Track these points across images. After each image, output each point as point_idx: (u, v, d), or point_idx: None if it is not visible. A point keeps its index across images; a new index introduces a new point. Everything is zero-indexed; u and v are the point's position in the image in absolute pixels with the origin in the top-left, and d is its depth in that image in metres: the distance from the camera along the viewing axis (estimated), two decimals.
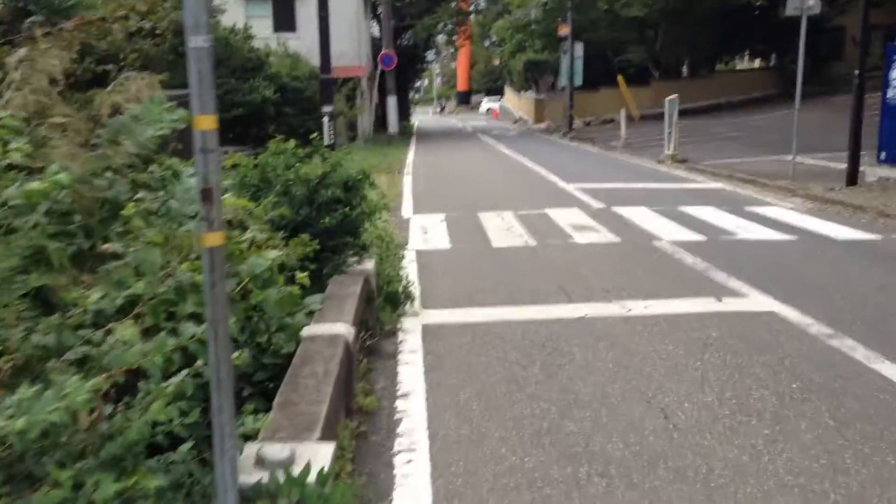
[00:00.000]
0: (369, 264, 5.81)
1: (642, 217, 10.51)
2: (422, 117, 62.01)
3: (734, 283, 6.76)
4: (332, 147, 9.39)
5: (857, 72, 12.48)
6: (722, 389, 4.33)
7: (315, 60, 20.32)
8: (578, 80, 33.27)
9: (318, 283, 5.65)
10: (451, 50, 57.55)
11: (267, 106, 14.37)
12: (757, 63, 45.23)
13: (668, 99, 19.27)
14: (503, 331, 5.62)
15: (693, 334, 5.36)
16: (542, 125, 38.70)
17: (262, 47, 15.20)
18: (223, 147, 9.43)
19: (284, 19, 25.99)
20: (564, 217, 10.68)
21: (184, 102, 9.61)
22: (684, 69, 41.64)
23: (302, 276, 4.27)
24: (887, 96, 12.57)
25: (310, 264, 5.28)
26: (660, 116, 31.66)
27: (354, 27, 27.36)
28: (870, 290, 6.50)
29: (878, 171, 12.81)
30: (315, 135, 6.18)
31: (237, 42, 13.79)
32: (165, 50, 12.49)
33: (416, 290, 6.64)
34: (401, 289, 6.13)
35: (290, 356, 3.96)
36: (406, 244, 9.22)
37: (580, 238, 9.17)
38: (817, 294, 6.36)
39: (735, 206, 11.45)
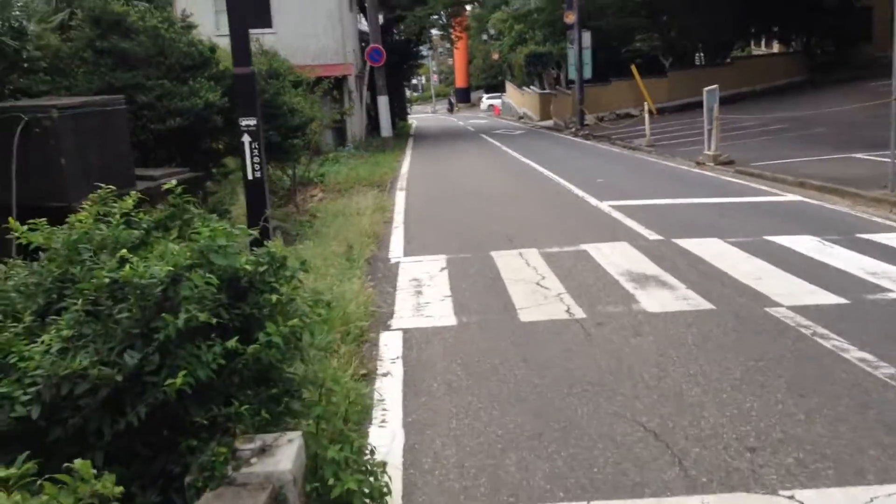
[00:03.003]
0: (286, 456, 2.73)
1: (724, 257, 7.41)
2: (420, 116, 58.70)
3: None
4: (258, 182, 6.30)
5: None
6: None
7: (298, 59, 17.03)
8: (588, 73, 30.13)
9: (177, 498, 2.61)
10: (447, 45, 54.36)
11: (211, 113, 11.06)
12: (776, 48, 41.94)
13: (706, 89, 16.11)
14: None
15: None
16: (549, 122, 35.51)
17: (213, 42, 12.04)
18: (157, 170, 5.48)
19: (259, 12, 22.77)
20: (612, 258, 7.60)
21: (94, 114, 5.90)
22: (698, 57, 38.40)
23: None
24: None
25: None
26: (679, 109, 28.82)
27: (336, 20, 24.22)
28: None
29: None
30: (173, 183, 3.07)
31: (171, 33, 10.60)
32: (80, 46, 9.58)
33: (395, 454, 3.57)
34: (361, 488, 3.04)
35: None
36: (390, 317, 6.17)
37: (648, 302, 6.08)
38: None
39: (841, 231, 8.35)
